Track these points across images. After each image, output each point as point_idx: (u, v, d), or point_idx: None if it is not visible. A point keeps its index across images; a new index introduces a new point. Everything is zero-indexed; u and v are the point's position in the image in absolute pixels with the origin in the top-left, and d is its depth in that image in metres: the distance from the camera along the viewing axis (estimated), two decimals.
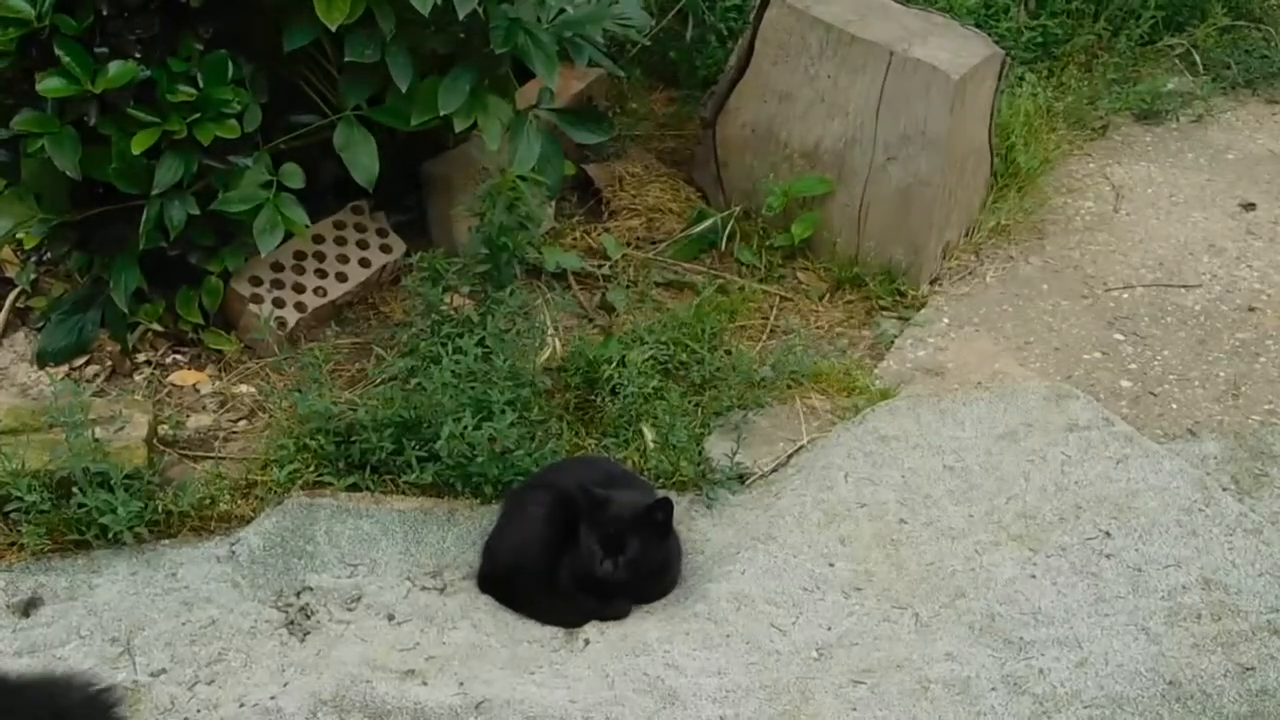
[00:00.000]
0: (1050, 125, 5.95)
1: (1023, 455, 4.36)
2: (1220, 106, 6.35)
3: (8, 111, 4.29)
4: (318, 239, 4.88)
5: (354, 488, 4.18)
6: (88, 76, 4.13)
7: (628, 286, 5.02)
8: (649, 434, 4.33)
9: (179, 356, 4.69)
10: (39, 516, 3.94)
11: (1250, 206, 5.68)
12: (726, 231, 5.24)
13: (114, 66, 4.16)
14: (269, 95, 4.56)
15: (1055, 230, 5.51)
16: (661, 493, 4.03)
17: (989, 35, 5.39)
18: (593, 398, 4.47)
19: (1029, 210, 5.53)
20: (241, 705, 3.53)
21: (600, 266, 5.13)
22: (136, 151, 4.17)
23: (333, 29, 4.29)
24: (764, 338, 4.90)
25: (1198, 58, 6.49)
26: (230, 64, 4.32)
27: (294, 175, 4.51)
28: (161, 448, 4.32)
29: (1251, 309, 5.10)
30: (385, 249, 4.96)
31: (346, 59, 4.45)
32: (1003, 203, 5.48)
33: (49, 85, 4.11)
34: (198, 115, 4.25)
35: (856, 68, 4.98)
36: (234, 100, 4.30)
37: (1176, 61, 6.55)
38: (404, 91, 4.47)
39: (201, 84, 4.28)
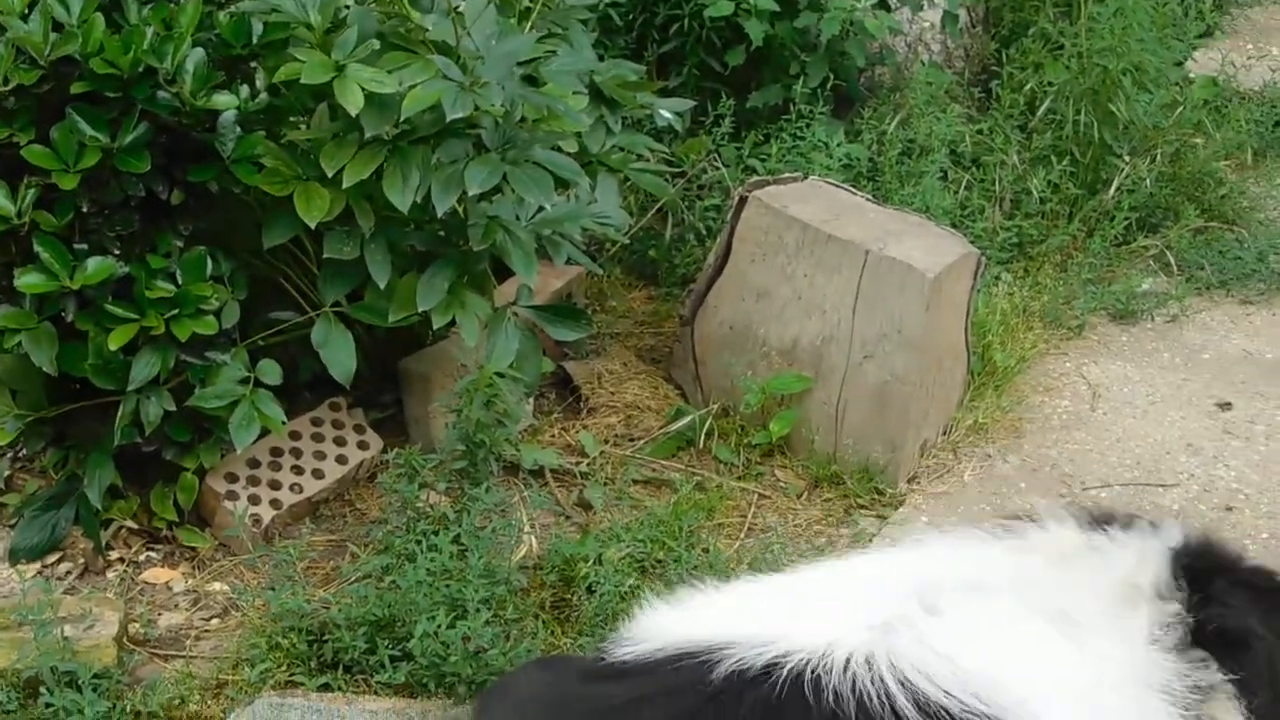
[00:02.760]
0: (1027, 324, 5.98)
1: None
2: (1195, 306, 6.38)
3: None
4: (294, 435, 4.85)
5: (325, 687, 4.10)
6: (66, 272, 4.13)
7: (605, 484, 5.00)
8: None
9: (152, 553, 4.64)
10: (4, 717, 3.87)
11: (1227, 406, 5.69)
12: (704, 429, 5.23)
13: (93, 263, 4.17)
14: (247, 291, 4.58)
15: (1033, 429, 5.51)
16: None
17: (964, 235, 5.44)
18: (569, 596, 4.43)
19: (1006, 409, 5.54)
20: None
21: (578, 464, 5.11)
22: (114, 347, 4.16)
23: (312, 226, 4.31)
24: (742, 535, 4.87)
25: (1172, 258, 6.55)
26: (209, 260, 4.34)
27: (271, 371, 4.50)
28: (132, 646, 4.26)
29: (1229, 508, 5.08)
30: (362, 446, 4.94)
31: (325, 255, 4.47)
32: (980, 401, 5.49)
33: (28, 281, 4.12)
34: (176, 311, 4.25)
35: (833, 267, 5.01)
36: (212, 296, 4.31)
37: (1151, 262, 6.61)
38: (382, 288, 4.49)
39: (180, 280, 4.29)
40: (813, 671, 2.19)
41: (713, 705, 2.18)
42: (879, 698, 2.16)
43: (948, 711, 2.17)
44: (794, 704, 2.17)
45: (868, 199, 5.38)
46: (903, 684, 2.18)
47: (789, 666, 2.20)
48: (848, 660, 2.20)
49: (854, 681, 2.17)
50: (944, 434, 5.37)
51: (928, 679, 2.19)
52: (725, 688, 2.19)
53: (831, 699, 2.16)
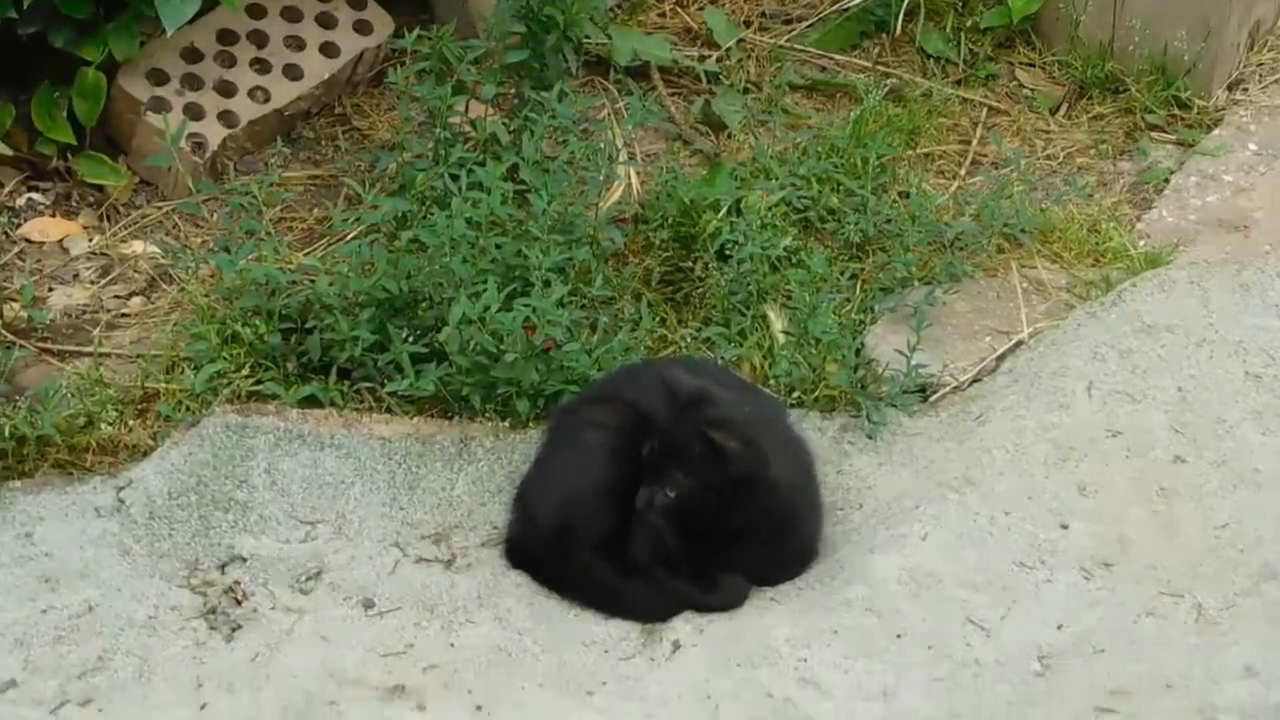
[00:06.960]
0: None
1: None
2: None
3: None
4: (256, 11, 4.84)
5: (311, 401, 4.14)
6: None
7: (745, 91, 4.98)
8: (776, 321, 4.30)
9: (37, 196, 4.68)
10: None
11: None
12: (905, 3, 5.18)
13: None
14: None
15: None
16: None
17: None
18: (689, 265, 4.44)
19: None
20: None
21: (703, 60, 5.09)
22: None
23: None
24: (962, 173, 4.86)
25: None
26: None
27: None
28: (10, 338, 4.30)
29: None
30: (362, 28, 4.93)
31: None
32: None
33: None
34: None
35: None
36: None
37: None
38: None
39: None
40: None
41: None
42: None
43: None
44: None
45: None
46: None
47: None
48: None
49: None
50: None
51: None
52: None
53: None
